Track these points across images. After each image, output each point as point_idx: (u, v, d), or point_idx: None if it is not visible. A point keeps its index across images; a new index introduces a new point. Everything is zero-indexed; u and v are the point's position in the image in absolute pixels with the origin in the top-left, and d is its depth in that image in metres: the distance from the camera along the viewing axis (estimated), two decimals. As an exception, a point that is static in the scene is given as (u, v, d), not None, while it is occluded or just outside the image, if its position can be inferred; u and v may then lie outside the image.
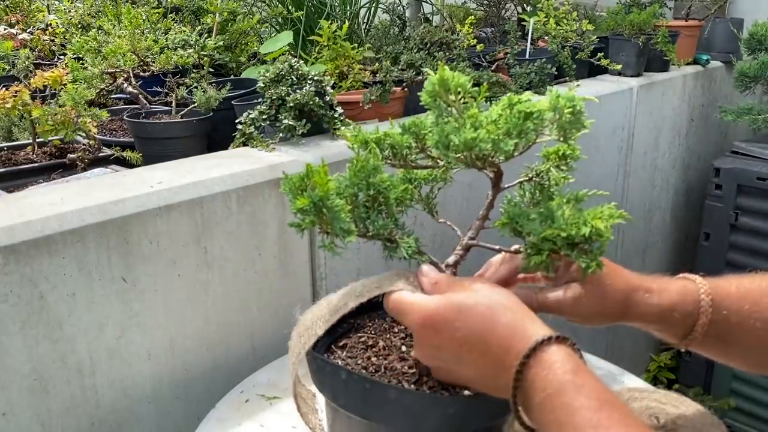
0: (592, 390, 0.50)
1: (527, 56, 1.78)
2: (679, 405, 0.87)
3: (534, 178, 0.70)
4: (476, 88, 0.62)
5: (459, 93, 0.61)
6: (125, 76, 1.47)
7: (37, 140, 1.30)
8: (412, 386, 0.67)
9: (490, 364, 0.56)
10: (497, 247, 0.69)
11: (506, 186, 0.69)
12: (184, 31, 1.60)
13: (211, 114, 1.34)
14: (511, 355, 0.54)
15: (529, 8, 2.19)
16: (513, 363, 0.53)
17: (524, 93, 0.63)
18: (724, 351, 0.70)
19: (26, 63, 1.53)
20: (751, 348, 0.68)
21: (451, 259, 0.70)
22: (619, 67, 1.90)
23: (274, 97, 1.18)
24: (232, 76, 1.63)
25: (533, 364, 0.52)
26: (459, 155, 0.60)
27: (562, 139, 0.64)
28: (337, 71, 1.40)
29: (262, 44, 1.60)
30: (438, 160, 0.64)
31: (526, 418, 0.55)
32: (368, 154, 0.62)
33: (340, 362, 0.73)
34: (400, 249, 0.64)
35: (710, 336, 0.67)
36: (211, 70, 1.57)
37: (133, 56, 1.45)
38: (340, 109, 1.23)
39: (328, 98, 1.21)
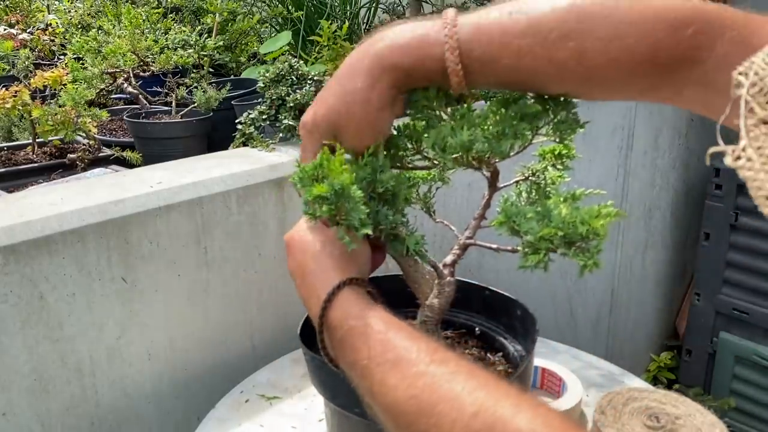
0: (381, 318, 0.55)
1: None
2: (679, 405, 0.87)
3: (530, 178, 0.71)
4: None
5: (443, 100, 0.61)
6: (125, 76, 1.47)
7: (37, 140, 1.30)
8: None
9: (307, 296, 0.61)
10: (494, 246, 0.69)
11: (503, 185, 0.69)
12: (184, 31, 1.61)
13: (211, 114, 1.34)
14: (319, 297, 0.59)
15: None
16: (319, 305, 0.58)
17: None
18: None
19: (26, 63, 1.53)
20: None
21: (448, 259, 0.70)
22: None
23: (274, 97, 1.18)
24: (232, 76, 1.63)
25: (333, 307, 0.57)
26: (455, 156, 0.60)
27: (557, 139, 0.65)
28: (337, 71, 1.40)
29: (262, 44, 1.60)
30: (434, 161, 0.64)
31: (334, 358, 0.60)
32: (368, 156, 0.62)
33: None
34: (405, 245, 0.65)
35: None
36: (211, 70, 1.57)
37: (133, 56, 1.46)
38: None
39: (328, 98, 1.21)
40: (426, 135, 0.62)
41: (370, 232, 0.59)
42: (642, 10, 0.49)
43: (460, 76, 0.54)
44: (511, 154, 0.62)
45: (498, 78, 0.55)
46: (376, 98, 0.57)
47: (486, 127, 0.60)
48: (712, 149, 0.40)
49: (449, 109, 0.62)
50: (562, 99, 0.60)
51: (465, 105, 0.61)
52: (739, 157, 0.39)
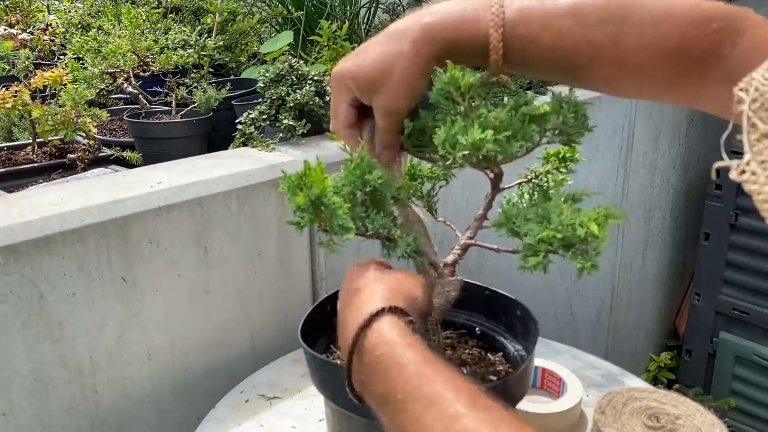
0: (418, 348, 0.54)
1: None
2: (679, 405, 0.87)
3: (533, 180, 0.71)
4: (485, 88, 0.62)
5: (469, 92, 0.61)
6: (125, 76, 1.47)
7: (37, 140, 1.30)
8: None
9: (343, 326, 0.61)
10: (495, 246, 0.70)
11: (506, 187, 0.70)
12: (184, 31, 1.61)
13: (211, 114, 1.34)
14: (354, 325, 0.58)
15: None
16: (353, 332, 0.58)
17: (527, 94, 0.63)
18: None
19: (26, 63, 1.53)
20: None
21: (449, 259, 0.70)
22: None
23: (274, 97, 1.18)
24: (232, 76, 1.63)
25: (368, 335, 0.57)
26: (465, 154, 0.60)
27: (564, 143, 0.65)
28: (337, 71, 1.40)
29: (262, 44, 1.60)
30: (442, 158, 0.64)
31: (360, 392, 0.59)
32: (363, 152, 0.62)
33: (339, 362, 0.73)
34: (398, 248, 0.64)
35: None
36: (211, 70, 1.57)
37: (133, 56, 1.45)
38: (340, 109, 1.23)
39: (328, 98, 1.21)
40: (437, 128, 0.62)
41: (353, 236, 0.59)
42: (677, 3, 0.53)
43: (499, 54, 0.56)
44: (519, 155, 0.62)
45: (536, 58, 0.57)
46: (418, 65, 0.59)
47: (497, 128, 0.60)
48: (718, 164, 0.41)
49: (466, 105, 0.62)
50: (573, 101, 0.60)
51: (484, 104, 0.61)
52: (743, 171, 0.40)
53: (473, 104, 0.62)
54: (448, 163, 0.62)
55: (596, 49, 0.54)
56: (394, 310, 0.58)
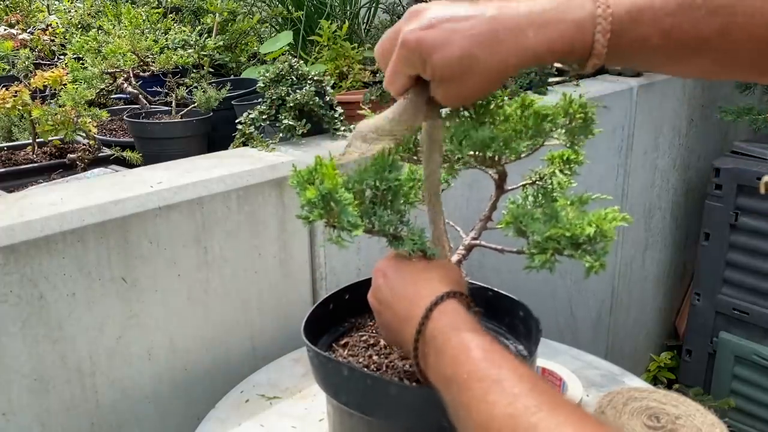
0: (483, 334, 0.56)
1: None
2: (679, 405, 0.87)
3: (537, 182, 0.71)
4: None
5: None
6: (125, 76, 1.47)
7: (37, 140, 1.30)
8: (414, 383, 0.67)
9: (404, 310, 0.62)
10: (500, 247, 0.70)
11: (510, 188, 0.70)
12: (184, 31, 1.60)
13: (211, 114, 1.34)
14: (419, 307, 0.59)
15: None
16: (419, 313, 0.59)
17: (527, 93, 0.63)
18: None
19: (26, 63, 1.53)
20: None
21: (453, 259, 0.70)
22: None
23: (274, 97, 1.18)
24: (232, 76, 1.63)
25: (434, 318, 0.58)
26: (473, 152, 0.61)
27: (569, 144, 0.65)
28: (337, 71, 1.40)
29: (262, 44, 1.60)
30: (447, 155, 0.64)
31: (426, 373, 0.60)
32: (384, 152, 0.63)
33: (342, 359, 0.73)
34: (405, 245, 0.65)
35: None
36: (211, 70, 1.57)
37: (133, 56, 1.45)
38: (340, 109, 1.23)
39: (328, 98, 1.21)
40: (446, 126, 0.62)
41: (361, 233, 0.59)
42: None
43: (601, 59, 0.54)
44: (522, 155, 0.63)
45: (640, 56, 0.55)
46: (504, 76, 0.56)
47: (504, 128, 0.61)
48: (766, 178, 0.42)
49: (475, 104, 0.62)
50: (582, 102, 0.61)
51: (494, 103, 0.62)
52: None
53: (481, 103, 0.62)
54: (455, 160, 0.63)
55: (703, 43, 0.53)
56: (454, 295, 0.60)
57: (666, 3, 0.52)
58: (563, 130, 0.63)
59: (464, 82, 0.56)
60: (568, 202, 0.65)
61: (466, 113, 0.62)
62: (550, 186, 0.70)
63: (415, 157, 0.68)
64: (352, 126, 1.22)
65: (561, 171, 0.70)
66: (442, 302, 0.59)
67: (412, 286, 0.63)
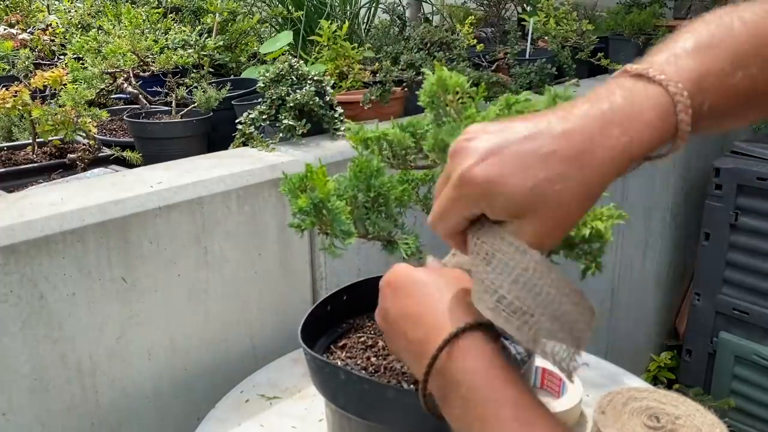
0: (518, 385, 0.50)
1: (527, 56, 1.78)
2: (679, 405, 0.87)
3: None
4: (474, 89, 0.62)
5: (457, 93, 0.61)
6: (125, 76, 1.47)
7: (37, 140, 1.30)
8: (411, 386, 0.67)
9: (417, 341, 0.55)
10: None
11: None
12: (184, 31, 1.60)
13: (211, 114, 1.34)
14: (435, 338, 0.53)
15: (529, 8, 2.19)
16: (433, 347, 0.52)
17: (523, 93, 0.63)
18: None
19: (26, 63, 1.53)
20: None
21: (447, 259, 0.70)
22: (619, 67, 1.90)
23: (274, 97, 1.18)
24: (232, 76, 1.63)
25: (457, 356, 0.51)
26: None
27: None
28: (337, 71, 1.40)
29: (262, 44, 1.60)
30: (435, 161, 0.64)
31: (435, 409, 0.54)
32: (370, 154, 0.62)
33: (339, 363, 0.73)
34: (399, 249, 0.65)
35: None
36: (211, 70, 1.57)
37: (133, 56, 1.45)
38: (340, 109, 1.23)
39: (328, 98, 1.21)
40: (427, 131, 0.62)
41: (354, 241, 0.59)
42: None
43: (686, 138, 0.48)
44: None
45: (709, 121, 0.51)
46: (597, 192, 0.47)
47: None
48: None
49: (456, 106, 0.61)
50: (567, 96, 0.60)
51: (473, 105, 0.61)
52: None
53: (462, 104, 0.62)
54: (438, 167, 0.62)
55: (761, 96, 0.51)
56: (480, 327, 0.52)
57: (721, 61, 0.49)
58: None
59: (546, 212, 0.46)
60: None
61: (449, 118, 0.62)
62: None
63: (402, 163, 0.67)
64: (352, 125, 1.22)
65: None
66: (464, 335, 0.51)
67: (426, 310, 0.55)
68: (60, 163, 1.26)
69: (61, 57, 1.73)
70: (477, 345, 0.51)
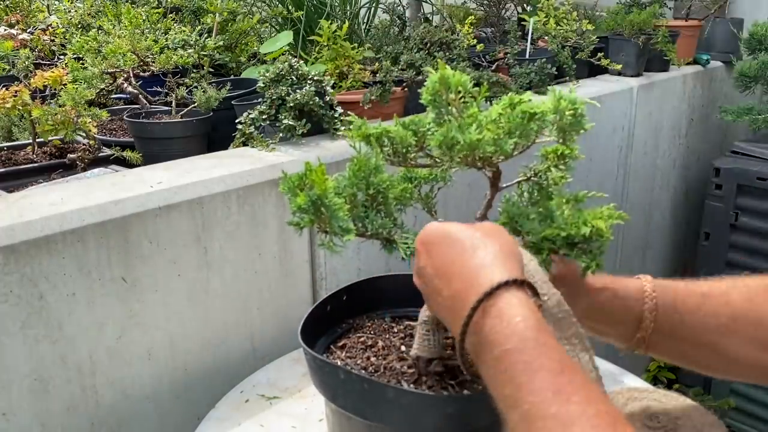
0: (554, 351, 0.47)
1: (527, 56, 1.78)
2: (679, 405, 0.87)
3: (532, 178, 0.71)
4: (476, 88, 0.62)
5: (459, 92, 0.61)
6: (125, 76, 1.47)
7: (37, 140, 1.30)
8: (411, 386, 0.67)
9: (452, 297, 0.54)
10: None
11: (505, 185, 0.69)
12: (184, 31, 1.60)
13: (211, 114, 1.34)
14: (470, 295, 0.51)
15: (529, 8, 2.19)
16: (468, 304, 0.51)
17: (525, 93, 0.63)
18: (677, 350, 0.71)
19: (26, 63, 1.53)
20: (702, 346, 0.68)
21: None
22: (619, 67, 1.90)
23: (274, 97, 1.18)
24: (232, 76, 1.63)
25: (492, 314, 0.49)
26: (462, 155, 0.60)
27: (561, 140, 0.65)
28: (337, 71, 1.40)
29: (262, 44, 1.60)
30: (438, 160, 0.64)
31: (473, 367, 0.53)
32: (369, 152, 0.62)
33: (339, 362, 0.73)
34: (398, 249, 0.65)
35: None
36: (211, 70, 1.57)
37: (133, 56, 1.45)
38: (340, 109, 1.23)
39: (328, 98, 1.21)
40: (429, 130, 0.62)
41: (353, 237, 0.59)
42: None
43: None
44: (515, 153, 0.62)
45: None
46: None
47: (492, 128, 0.60)
48: None
49: (458, 105, 0.61)
50: (572, 98, 0.60)
51: (475, 104, 0.61)
52: None
53: (464, 104, 0.62)
54: (445, 165, 0.62)
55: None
56: (521, 284, 0.50)
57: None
58: (554, 127, 0.62)
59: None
60: (564, 201, 0.65)
61: (451, 116, 0.62)
62: (545, 182, 0.69)
63: (403, 160, 0.67)
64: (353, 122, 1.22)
65: (556, 167, 0.69)
66: (499, 293, 0.49)
67: (461, 267, 0.53)
68: (60, 163, 1.26)
69: (61, 57, 1.73)
70: (512, 303, 0.49)
